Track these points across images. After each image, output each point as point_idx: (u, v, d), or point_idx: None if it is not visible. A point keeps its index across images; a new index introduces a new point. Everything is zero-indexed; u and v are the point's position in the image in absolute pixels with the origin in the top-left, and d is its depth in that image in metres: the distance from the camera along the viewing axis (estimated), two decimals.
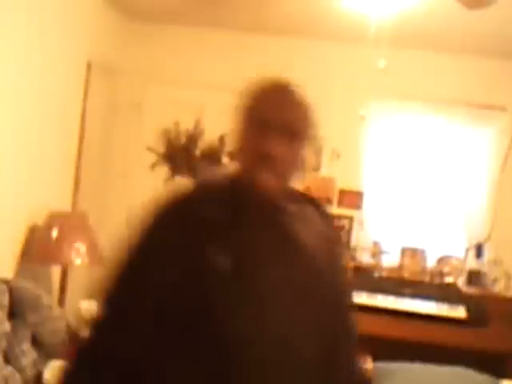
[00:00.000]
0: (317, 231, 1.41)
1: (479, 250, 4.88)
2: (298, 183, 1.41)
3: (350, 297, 1.46)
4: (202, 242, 1.28)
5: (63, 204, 4.26)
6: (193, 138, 5.04)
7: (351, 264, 4.84)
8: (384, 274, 4.81)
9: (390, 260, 4.90)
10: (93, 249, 3.81)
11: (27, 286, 3.25)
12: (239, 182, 1.35)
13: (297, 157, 1.36)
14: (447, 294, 4.61)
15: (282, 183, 1.36)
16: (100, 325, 1.36)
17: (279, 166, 1.32)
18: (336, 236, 1.46)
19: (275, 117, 1.33)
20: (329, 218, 1.49)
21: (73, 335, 3.30)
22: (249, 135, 1.34)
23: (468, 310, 4.47)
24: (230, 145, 4.89)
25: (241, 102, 1.40)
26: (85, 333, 3.21)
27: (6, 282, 3.13)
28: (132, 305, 1.30)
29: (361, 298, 4.53)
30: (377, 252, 4.90)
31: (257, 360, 1.25)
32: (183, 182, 4.97)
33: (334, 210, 5.08)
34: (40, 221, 3.79)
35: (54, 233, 3.69)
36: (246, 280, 1.27)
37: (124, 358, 1.27)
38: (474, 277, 4.81)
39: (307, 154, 1.40)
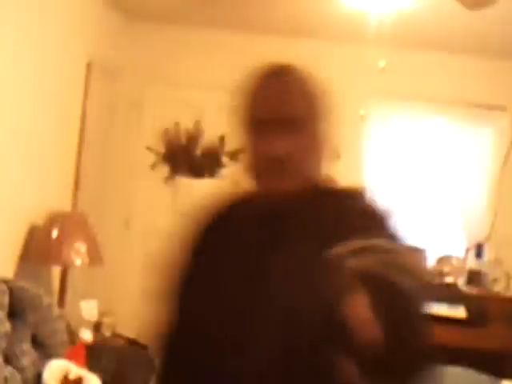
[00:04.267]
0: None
1: (479, 250, 4.88)
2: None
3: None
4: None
5: (63, 204, 4.26)
6: (193, 138, 5.05)
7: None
8: None
9: None
10: (93, 249, 3.80)
11: (27, 286, 3.25)
12: (256, 193, 1.22)
13: (310, 146, 1.18)
14: (447, 294, 4.61)
15: (300, 181, 1.18)
16: None
17: (291, 165, 1.14)
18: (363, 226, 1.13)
19: (265, 110, 1.16)
20: (353, 210, 1.26)
21: (73, 335, 3.30)
22: (248, 138, 1.18)
23: (468, 310, 4.46)
24: (230, 145, 4.90)
25: (234, 100, 1.22)
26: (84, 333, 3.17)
27: (5, 281, 3.13)
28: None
29: None
30: None
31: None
32: (184, 183, 4.97)
33: None
34: (40, 221, 3.79)
35: (54, 233, 3.69)
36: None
37: None
38: (474, 277, 4.81)
39: (327, 135, 1.21)
